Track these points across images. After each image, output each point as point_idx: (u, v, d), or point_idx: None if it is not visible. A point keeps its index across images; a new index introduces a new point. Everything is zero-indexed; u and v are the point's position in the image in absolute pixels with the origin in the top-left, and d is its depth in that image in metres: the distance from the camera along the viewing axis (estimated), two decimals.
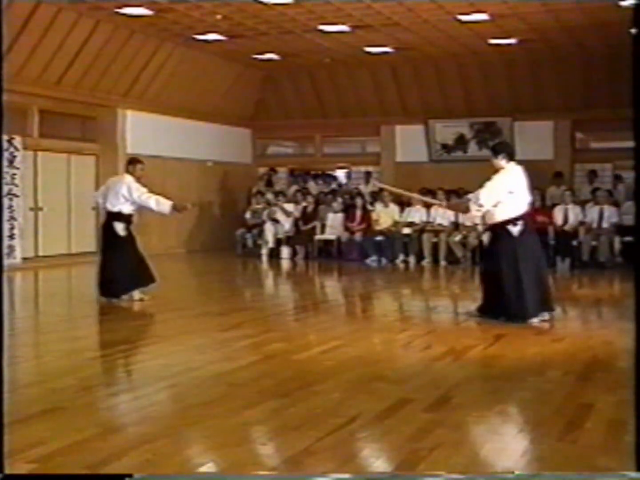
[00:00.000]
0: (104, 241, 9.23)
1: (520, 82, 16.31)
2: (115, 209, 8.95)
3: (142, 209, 9.24)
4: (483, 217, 7.80)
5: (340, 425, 4.17)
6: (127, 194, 8.87)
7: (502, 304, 7.51)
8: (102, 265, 9.20)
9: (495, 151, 7.67)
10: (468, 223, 14.17)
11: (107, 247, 9.12)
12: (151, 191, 9.14)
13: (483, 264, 8.22)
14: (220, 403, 4.74)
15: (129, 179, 8.98)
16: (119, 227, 8.95)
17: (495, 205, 7.42)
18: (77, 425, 4.17)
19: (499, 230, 7.55)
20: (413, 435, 4.12)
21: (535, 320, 7.45)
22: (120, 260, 8.92)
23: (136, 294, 9.08)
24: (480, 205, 7.42)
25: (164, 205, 8.94)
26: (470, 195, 7.76)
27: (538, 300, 7.49)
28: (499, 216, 7.49)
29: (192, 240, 16.95)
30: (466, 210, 7.77)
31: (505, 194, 7.40)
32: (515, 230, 7.45)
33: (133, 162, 9.23)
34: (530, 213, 7.77)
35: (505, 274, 7.43)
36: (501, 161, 7.57)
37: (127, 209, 8.98)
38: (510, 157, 7.63)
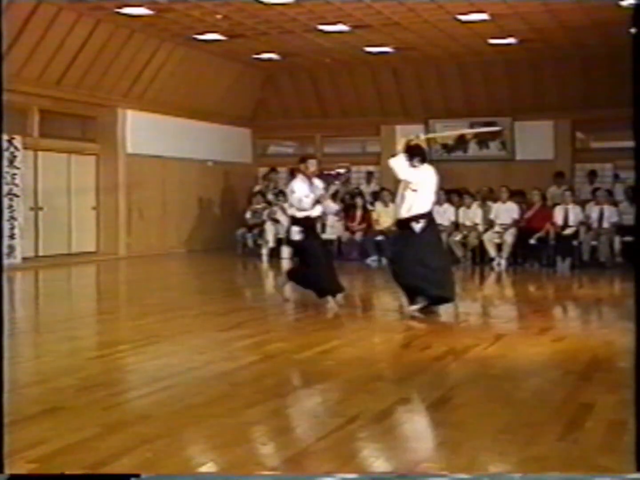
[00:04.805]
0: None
1: (521, 82, 16.31)
2: (289, 213, 8.72)
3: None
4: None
5: (341, 425, 4.17)
6: (290, 195, 8.60)
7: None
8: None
9: (411, 155, 8.11)
10: (468, 223, 14.21)
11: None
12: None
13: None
14: (220, 403, 4.74)
15: (296, 178, 8.67)
16: (294, 232, 8.57)
17: (401, 201, 8.01)
18: (77, 425, 4.17)
19: (403, 226, 8.05)
20: (413, 435, 4.12)
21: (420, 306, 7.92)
22: (314, 269, 8.48)
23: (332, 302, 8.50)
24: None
25: (305, 203, 8.47)
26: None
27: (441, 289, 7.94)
28: (404, 213, 7.98)
29: (193, 240, 16.95)
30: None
31: (407, 189, 7.93)
32: (417, 227, 7.89)
33: (303, 159, 8.84)
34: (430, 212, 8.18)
35: (405, 264, 7.94)
36: (416, 164, 8.08)
37: (300, 212, 8.52)
38: (424, 160, 8.20)
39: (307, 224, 8.58)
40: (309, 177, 8.63)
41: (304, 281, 8.78)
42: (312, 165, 8.72)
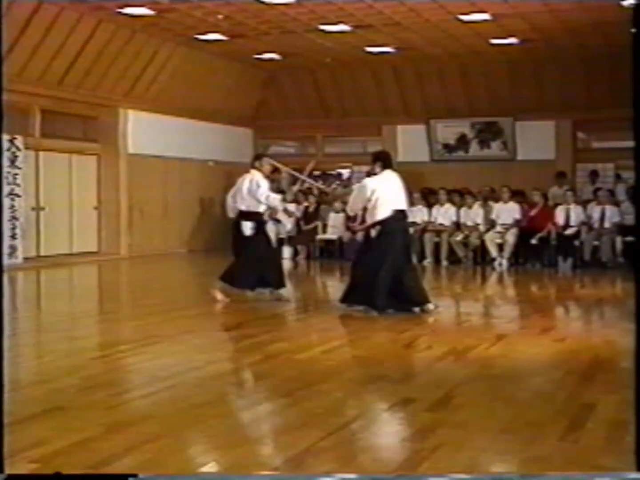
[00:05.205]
0: (233, 240, 9.05)
1: (522, 81, 16.30)
2: (243, 207, 8.77)
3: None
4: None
5: (342, 425, 4.17)
6: (248, 188, 8.68)
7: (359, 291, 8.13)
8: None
9: (374, 159, 8.30)
10: (469, 223, 14.21)
11: (236, 246, 8.97)
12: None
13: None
14: (221, 403, 4.74)
15: (254, 174, 8.79)
16: (246, 227, 8.74)
17: (363, 210, 8.18)
18: (78, 425, 4.17)
19: (368, 230, 8.26)
20: (415, 435, 4.12)
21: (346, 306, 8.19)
22: (245, 260, 8.78)
23: (267, 293, 8.99)
24: (351, 212, 8.42)
25: (274, 199, 8.80)
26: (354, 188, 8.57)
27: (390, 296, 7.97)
28: (368, 219, 8.18)
29: (194, 240, 16.95)
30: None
31: (366, 201, 8.03)
32: (373, 232, 8.07)
33: (258, 157, 9.06)
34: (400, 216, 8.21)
35: (356, 266, 8.25)
36: (377, 168, 8.17)
37: (254, 207, 8.74)
38: (386, 165, 8.19)
39: (258, 219, 8.82)
40: (265, 175, 8.84)
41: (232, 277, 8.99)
42: (266, 163, 8.97)
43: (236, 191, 8.93)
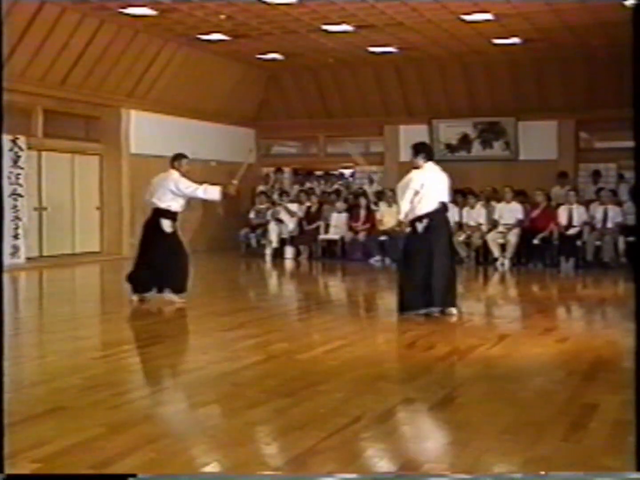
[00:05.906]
0: (147, 237, 8.98)
1: (524, 81, 16.29)
2: (164, 206, 8.78)
3: (192, 201, 9.19)
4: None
5: (345, 425, 4.17)
6: (175, 188, 8.72)
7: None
8: (140, 260, 9.03)
9: (416, 151, 8.04)
10: (472, 223, 14.20)
11: (150, 243, 8.91)
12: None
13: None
14: (224, 403, 4.74)
15: (175, 174, 8.85)
16: (165, 224, 8.78)
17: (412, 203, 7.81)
18: (81, 425, 4.17)
19: (411, 226, 7.95)
20: (417, 435, 4.11)
21: (411, 313, 7.73)
22: (162, 256, 8.77)
23: (171, 297, 8.82)
24: (404, 214, 7.84)
25: (212, 192, 8.83)
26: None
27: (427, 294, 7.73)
28: (411, 214, 7.84)
29: (196, 240, 16.88)
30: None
31: (412, 193, 7.76)
32: (420, 226, 7.78)
33: (178, 157, 9.07)
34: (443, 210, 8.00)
35: (409, 267, 7.87)
36: (420, 161, 7.93)
37: (175, 205, 8.81)
38: (429, 157, 8.01)
39: (174, 218, 8.88)
40: (182, 174, 8.88)
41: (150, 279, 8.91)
42: (185, 164, 9.01)
43: (153, 190, 8.95)
